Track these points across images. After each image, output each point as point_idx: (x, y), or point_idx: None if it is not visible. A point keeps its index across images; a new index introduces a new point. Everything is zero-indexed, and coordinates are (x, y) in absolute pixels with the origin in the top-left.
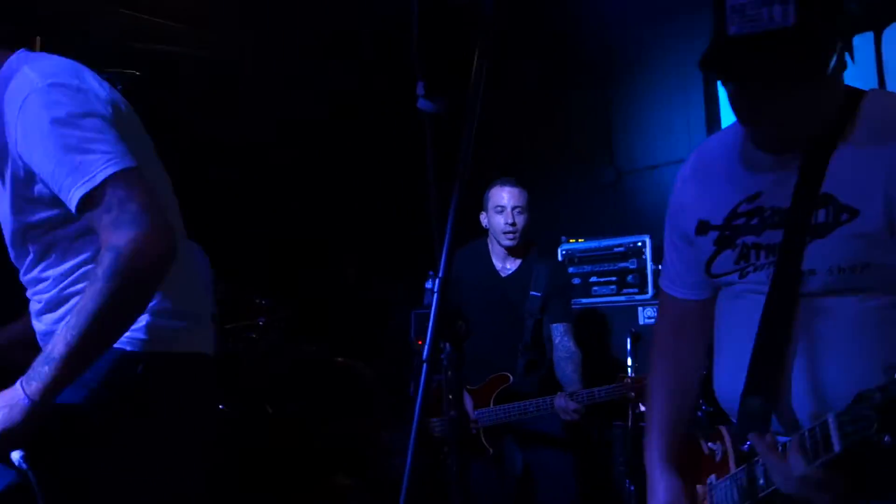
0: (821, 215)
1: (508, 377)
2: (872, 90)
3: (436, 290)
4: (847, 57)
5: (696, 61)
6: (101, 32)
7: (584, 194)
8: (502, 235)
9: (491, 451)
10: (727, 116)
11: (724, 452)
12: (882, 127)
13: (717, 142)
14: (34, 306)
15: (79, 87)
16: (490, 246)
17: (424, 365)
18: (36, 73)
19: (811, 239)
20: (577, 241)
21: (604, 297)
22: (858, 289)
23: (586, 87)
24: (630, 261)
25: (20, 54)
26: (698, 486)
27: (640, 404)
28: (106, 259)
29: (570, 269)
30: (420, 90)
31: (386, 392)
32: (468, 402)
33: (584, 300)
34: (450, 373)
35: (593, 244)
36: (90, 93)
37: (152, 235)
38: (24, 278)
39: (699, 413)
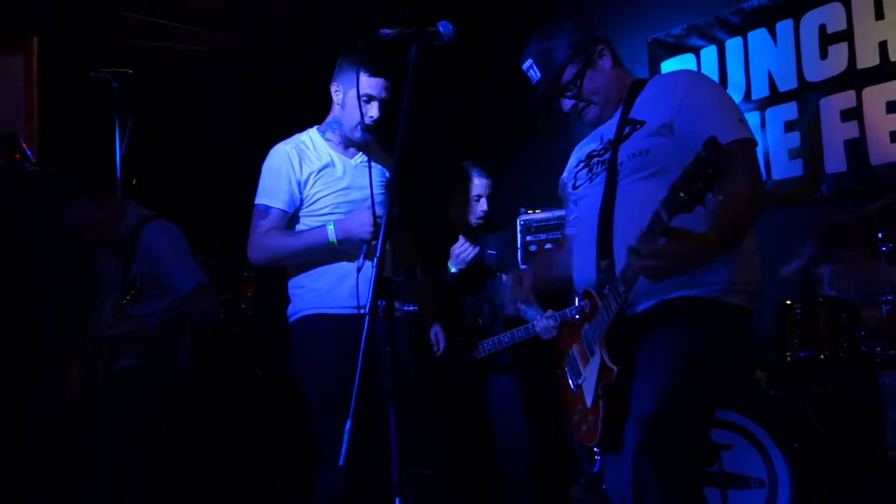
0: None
1: None
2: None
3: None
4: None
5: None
6: (101, 32)
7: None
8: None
9: None
10: None
11: (593, 303)
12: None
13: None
14: None
15: None
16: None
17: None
18: None
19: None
20: (535, 212)
21: None
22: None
23: None
24: None
25: None
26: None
27: None
28: None
29: (528, 238)
30: None
31: None
32: None
33: None
34: None
35: (549, 215)
36: None
37: None
38: None
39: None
